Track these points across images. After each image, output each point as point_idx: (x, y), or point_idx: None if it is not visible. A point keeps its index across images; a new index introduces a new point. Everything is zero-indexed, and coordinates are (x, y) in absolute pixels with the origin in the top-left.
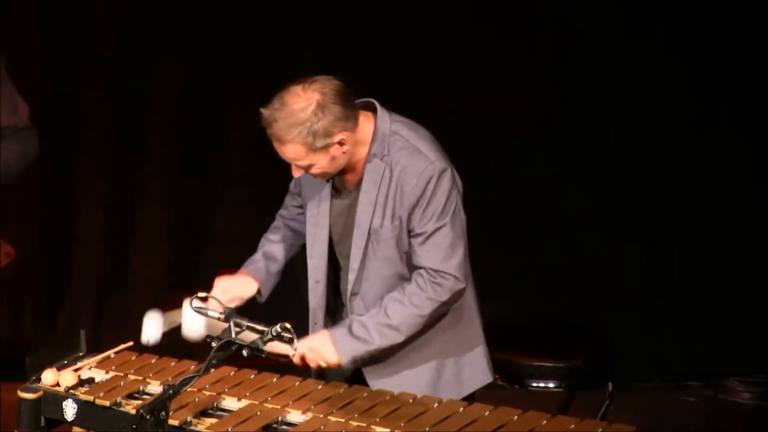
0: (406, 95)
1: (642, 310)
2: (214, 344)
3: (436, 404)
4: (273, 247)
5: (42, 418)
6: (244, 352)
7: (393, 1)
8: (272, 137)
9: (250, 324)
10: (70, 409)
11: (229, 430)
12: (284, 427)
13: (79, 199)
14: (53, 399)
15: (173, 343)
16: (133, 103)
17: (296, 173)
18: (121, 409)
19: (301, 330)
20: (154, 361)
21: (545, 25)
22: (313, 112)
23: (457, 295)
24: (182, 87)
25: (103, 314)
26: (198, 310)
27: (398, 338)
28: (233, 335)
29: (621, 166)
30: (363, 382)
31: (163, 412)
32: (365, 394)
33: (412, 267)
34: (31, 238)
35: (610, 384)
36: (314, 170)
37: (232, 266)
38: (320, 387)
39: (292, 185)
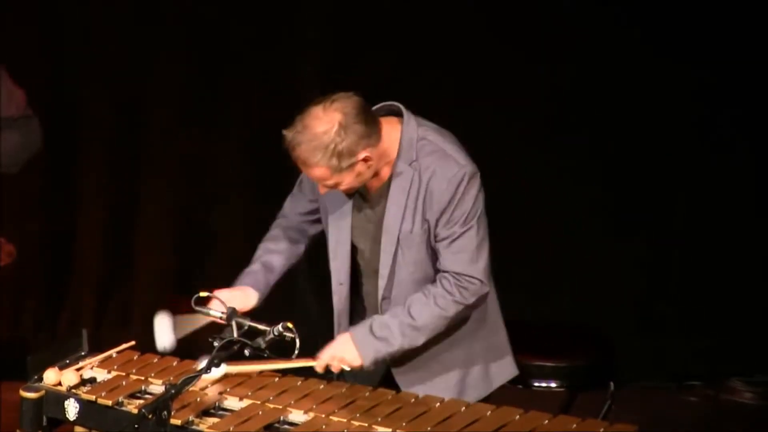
0: (408, 93)
1: (643, 309)
2: (216, 344)
3: (438, 404)
4: (272, 257)
5: (44, 417)
6: (246, 352)
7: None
8: (296, 160)
9: (251, 324)
10: (72, 409)
11: (231, 429)
12: (286, 426)
13: (80, 199)
14: (55, 398)
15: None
16: (134, 102)
17: (323, 191)
18: (123, 408)
19: (317, 333)
20: (156, 360)
21: (548, 24)
22: (336, 134)
23: (482, 299)
24: (184, 85)
25: (105, 314)
26: (199, 310)
27: (420, 339)
28: (235, 335)
29: (621, 165)
30: (392, 385)
31: (165, 412)
32: (367, 394)
33: (436, 270)
34: (33, 237)
35: (611, 384)
36: (341, 187)
37: (233, 266)
38: (322, 387)
39: (297, 190)
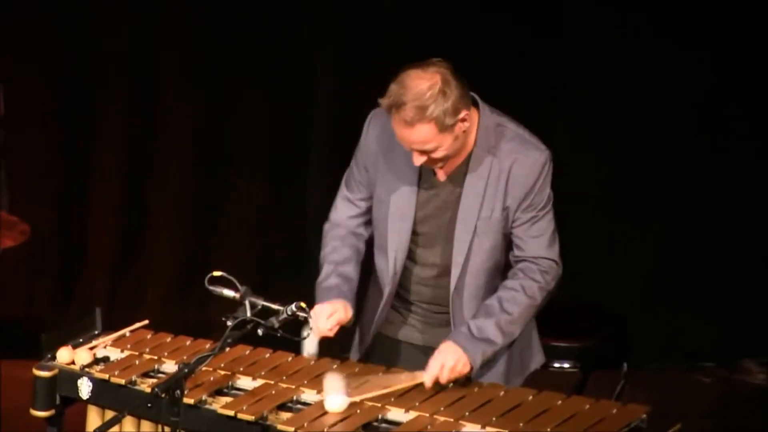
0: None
1: (657, 291)
2: (229, 323)
3: (451, 385)
4: (345, 268)
5: (57, 396)
6: (259, 331)
7: None
8: (401, 122)
9: (265, 303)
10: (85, 387)
11: (244, 408)
12: (298, 405)
13: (94, 179)
14: (68, 377)
15: (188, 321)
16: (148, 86)
17: (418, 161)
18: (137, 387)
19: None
20: (169, 340)
21: (554, 20)
22: (440, 91)
23: (559, 282)
24: (200, 72)
25: (118, 293)
26: (213, 290)
27: (517, 332)
28: (248, 314)
29: (635, 146)
30: None
31: (178, 391)
32: (379, 374)
33: (515, 257)
34: (47, 218)
35: (624, 364)
36: (438, 153)
37: (243, 249)
38: (335, 366)
39: (343, 196)
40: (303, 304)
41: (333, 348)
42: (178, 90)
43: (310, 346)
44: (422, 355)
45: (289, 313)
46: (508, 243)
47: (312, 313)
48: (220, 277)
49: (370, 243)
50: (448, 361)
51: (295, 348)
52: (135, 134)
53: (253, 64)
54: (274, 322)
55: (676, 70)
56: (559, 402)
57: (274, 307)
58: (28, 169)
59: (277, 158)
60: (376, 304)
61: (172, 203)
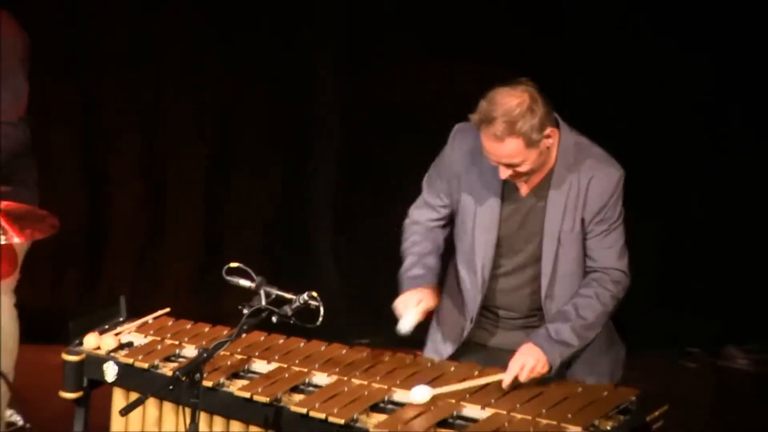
0: (424, 81)
1: (650, 284)
2: (245, 311)
3: (453, 368)
4: (428, 259)
5: (84, 379)
6: (273, 319)
7: None
8: (490, 136)
9: (278, 292)
10: (111, 371)
11: (259, 391)
12: (310, 388)
13: (116, 175)
14: (95, 361)
15: (206, 310)
16: (166, 82)
17: (504, 174)
18: (159, 371)
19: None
20: (189, 326)
21: (554, 20)
22: (528, 108)
23: (626, 292)
24: (218, 65)
25: (141, 282)
26: (231, 280)
27: (591, 336)
28: (263, 303)
29: (634, 146)
30: None
31: (198, 374)
32: (387, 359)
33: (588, 267)
34: (74, 212)
35: None
36: (523, 167)
37: (258, 240)
38: (344, 352)
39: (423, 200)
40: (314, 294)
41: (350, 334)
42: (196, 90)
43: (405, 323)
44: (500, 357)
45: (302, 301)
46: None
47: (399, 300)
48: (237, 268)
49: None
50: (529, 361)
51: (307, 334)
52: (154, 131)
53: (256, 63)
54: (288, 310)
55: (676, 70)
56: (552, 384)
57: (287, 296)
58: (55, 166)
59: (283, 156)
60: (459, 312)
61: (188, 201)
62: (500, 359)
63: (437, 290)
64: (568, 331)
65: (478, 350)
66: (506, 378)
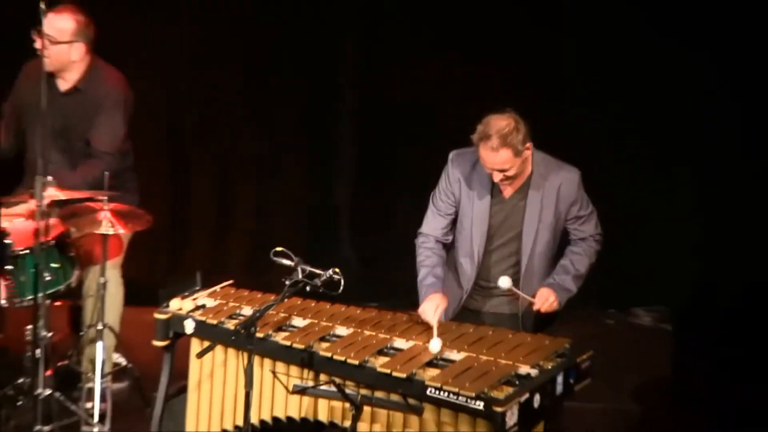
0: (439, 78)
1: None
2: (287, 282)
3: (455, 326)
4: (437, 270)
5: (170, 331)
6: (307, 288)
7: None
8: (488, 149)
9: (311, 269)
10: (189, 326)
11: (297, 340)
12: (334, 338)
13: (192, 180)
14: (178, 319)
15: (259, 282)
16: (228, 86)
17: (497, 177)
18: (225, 326)
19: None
20: (246, 293)
21: (554, 20)
22: (515, 127)
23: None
24: (254, 67)
25: (211, 263)
26: (276, 260)
27: (581, 283)
28: (300, 276)
29: (633, 145)
30: None
31: (253, 328)
32: (389, 317)
33: (576, 237)
34: (163, 209)
35: None
36: (510, 172)
37: (295, 229)
38: (358, 312)
39: (433, 212)
40: (337, 270)
41: (362, 299)
42: (236, 99)
43: (434, 345)
44: (487, 319)
45: (327, 275)
46: (556, 239)
47: (421, 310)
48: (281, 251)
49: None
50: (550, 298)
51: (331, 299)
52: (219, 135)
53: (283, 67)
54: (317, 282)
55: (676, 70)
56: (490, 333)
57: (318, 271)
58: (148, 174)
59: (310, 160)
60: (458, 285)
61: (244, 199)
62: (487, 320)
63: (445, 291)
64: (570, 281)
65: (470, 315)
66: (539, 304)
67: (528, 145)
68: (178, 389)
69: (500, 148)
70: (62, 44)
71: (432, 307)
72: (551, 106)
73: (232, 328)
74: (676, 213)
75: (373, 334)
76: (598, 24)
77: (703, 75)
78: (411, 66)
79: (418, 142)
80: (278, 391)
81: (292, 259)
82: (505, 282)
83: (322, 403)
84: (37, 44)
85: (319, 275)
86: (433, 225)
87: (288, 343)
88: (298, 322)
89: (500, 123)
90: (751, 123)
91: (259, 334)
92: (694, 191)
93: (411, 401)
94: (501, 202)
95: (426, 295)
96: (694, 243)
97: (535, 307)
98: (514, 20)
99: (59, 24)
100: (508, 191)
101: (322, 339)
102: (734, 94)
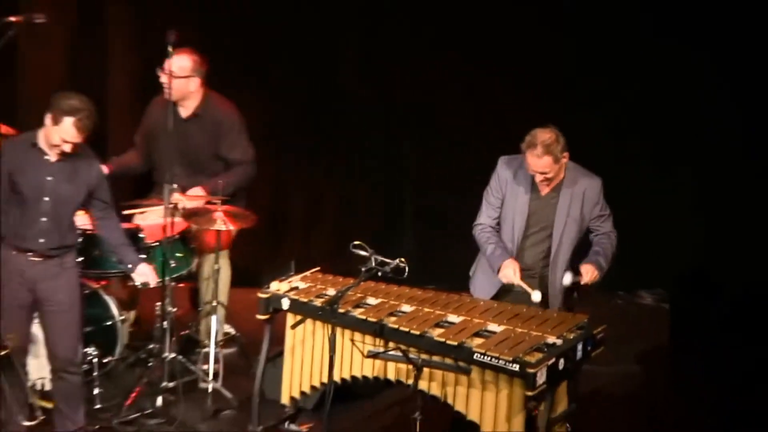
0: (440, 75)
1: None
2: (363, 269)
3: (496, 305)
4: (501, 245)
5: (270, 307)
6: (379, 274)
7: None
8: (534, 156)
9: (383, 259)
10: (285, 303)
11: (371, 315)
12: (400, 313)
13: (286, 185)
14: (276, 297)
15: (341, 269)
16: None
17: (539, 179)
18: (314, 303)
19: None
20: (331, 278)
21: (554, 20)
22: (556, 140)
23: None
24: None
25: (303, 254)
26: (355, 251)
27: (609, 265)
28: (373, 264)
29: (633, 145)
30: None
31: (336, 305)
32: (444, 296)
33: (597, 233)
34: (264, 212)
35: (575, 293)
36: (549, 175)
37: (370, 225)
38: (419, 293)
39: (486, 205)
40: (403, 259)
41: (422, 282)
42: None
43: (536, 296)
44: (517, 294)
45: (395, 264)
46: (580, 234)
47: (502, 275)
48: (359, 244)
49: None
50: (594, 271)
51: (398, 282)
52: (309, 147)
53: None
54: (387, 269)
55: (676, 70)
56: (540, 312)
57: (387, 260)
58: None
59: (379, 164)
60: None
61: (328, 201)
62: (522, 298)
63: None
64: (603, 261)
65: (507, 292)
66: (586, 278)
67: (565, 154)
68: (276, 354)
69: (543, 155)
70: (182, 78)
71: (511, 271)
72: (551, 106)
73: (320, 305)
74: (677, 213)
75: (431, 310)
76: (598, 24)
77: (703, 75)
78: (411, 66)
79: (419, 142)
80: (356, 356)
81: (367, 250)
82: (567, 279)
83: (391, 366)
84: (162, 78)
85: (388, 263)
86: (486, 215)
87: (364, 317)
88: (372, 300)
89: (544, 135)
90: (751, 123)
91: (341, 310)
92: (695, 191)
93: (461, 364)
94: (538, 198)
95: (500, 262)
96: (693, 240)
97: (583, 281)
98: (514, 20)
99: (180, 62)
100: (545, 190)
101: (391, 314)
102: (734, 94)
